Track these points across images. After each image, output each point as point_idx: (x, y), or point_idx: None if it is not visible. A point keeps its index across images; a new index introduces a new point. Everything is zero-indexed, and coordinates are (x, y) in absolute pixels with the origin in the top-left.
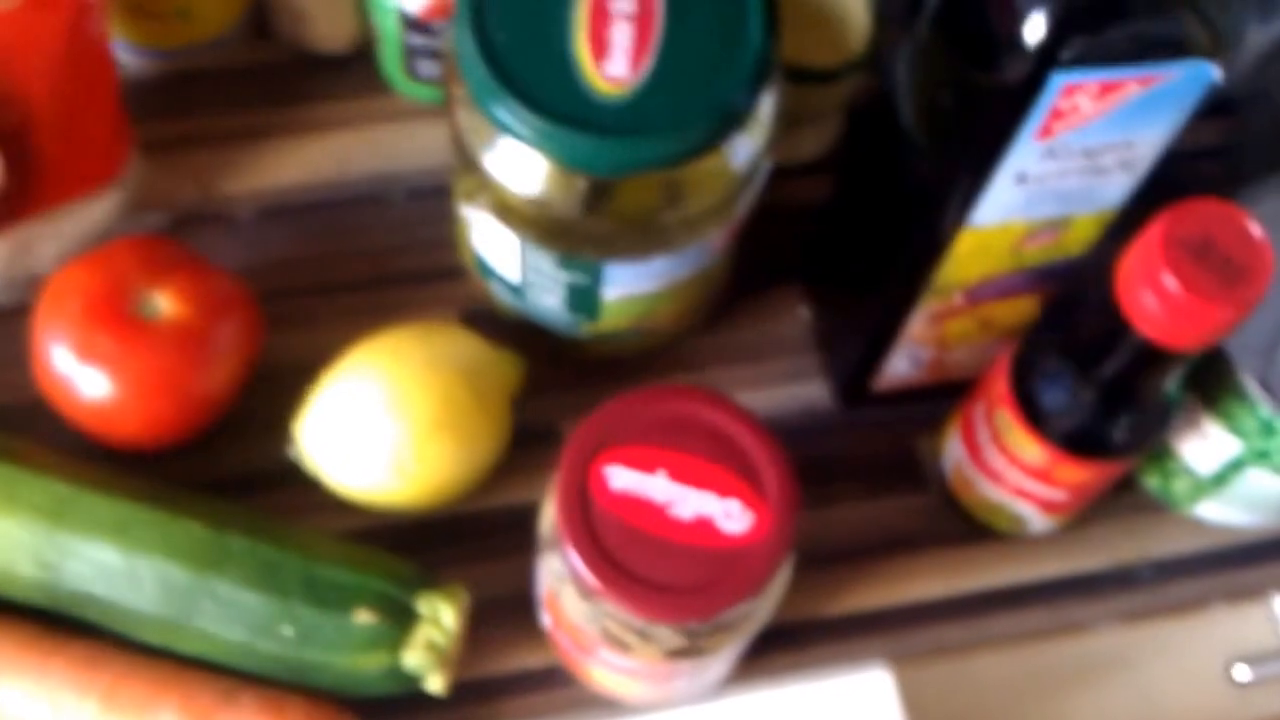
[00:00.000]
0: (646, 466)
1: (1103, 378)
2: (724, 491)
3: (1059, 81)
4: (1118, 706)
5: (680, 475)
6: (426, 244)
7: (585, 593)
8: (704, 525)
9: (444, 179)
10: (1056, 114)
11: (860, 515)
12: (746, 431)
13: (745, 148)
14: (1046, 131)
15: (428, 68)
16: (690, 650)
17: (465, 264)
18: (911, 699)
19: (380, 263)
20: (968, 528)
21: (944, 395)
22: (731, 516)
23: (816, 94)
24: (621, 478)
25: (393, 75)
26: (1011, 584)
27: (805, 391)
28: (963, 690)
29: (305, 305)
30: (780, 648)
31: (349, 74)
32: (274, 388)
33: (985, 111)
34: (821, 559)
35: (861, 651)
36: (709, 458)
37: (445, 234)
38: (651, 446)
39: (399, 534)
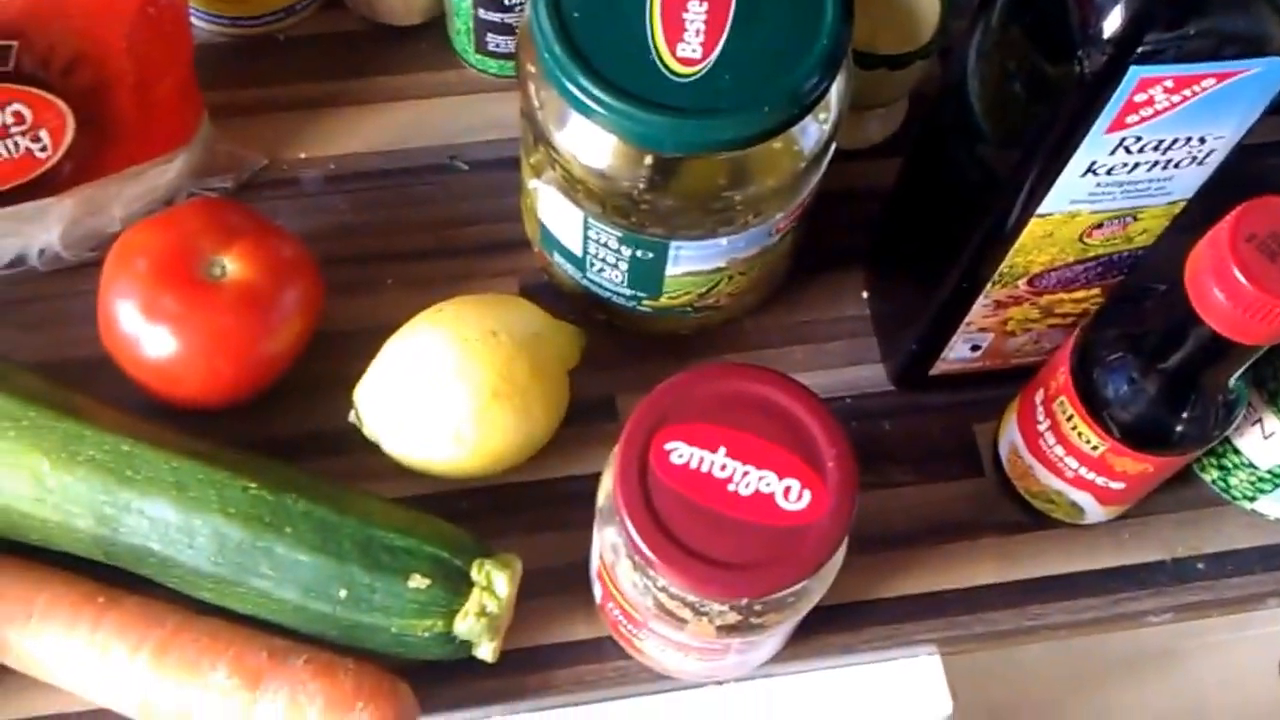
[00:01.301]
0: (707, 443)
1: (1167, 370)
2: (783, 470)
3: (1135, 75)
4: (1164, 702)
5: (740, 453)
6: (490, 216)
7: (641, 565)
8: (762, 503)
9: (510, 152)
10: (1130, 107)
11: (914, 499)
12: (807, 412)
13: (813, 132)
14: (1119, 124)
15: (498, 42)
16: (743, 626)
17: (529, 237)
18: (959, 684)
19: (443, 233)
20: (1023, 515)
21: (1001, 381)
22: (790, 495)
23: (885, 80)
24: (682, 453)
25: (463, 48)
26: (1064, 572)
27: (862, 374)
28: (1010, 678)
29: (368, 272)
30: (831, 628)
31: (419, 46)
32: (334, 353)
33: (1058, 103)
34: (874, 541)
35: (911, 635)
36: (769, 436)
37: (509, 207)
38: (713, 423)
39: (454, 502)
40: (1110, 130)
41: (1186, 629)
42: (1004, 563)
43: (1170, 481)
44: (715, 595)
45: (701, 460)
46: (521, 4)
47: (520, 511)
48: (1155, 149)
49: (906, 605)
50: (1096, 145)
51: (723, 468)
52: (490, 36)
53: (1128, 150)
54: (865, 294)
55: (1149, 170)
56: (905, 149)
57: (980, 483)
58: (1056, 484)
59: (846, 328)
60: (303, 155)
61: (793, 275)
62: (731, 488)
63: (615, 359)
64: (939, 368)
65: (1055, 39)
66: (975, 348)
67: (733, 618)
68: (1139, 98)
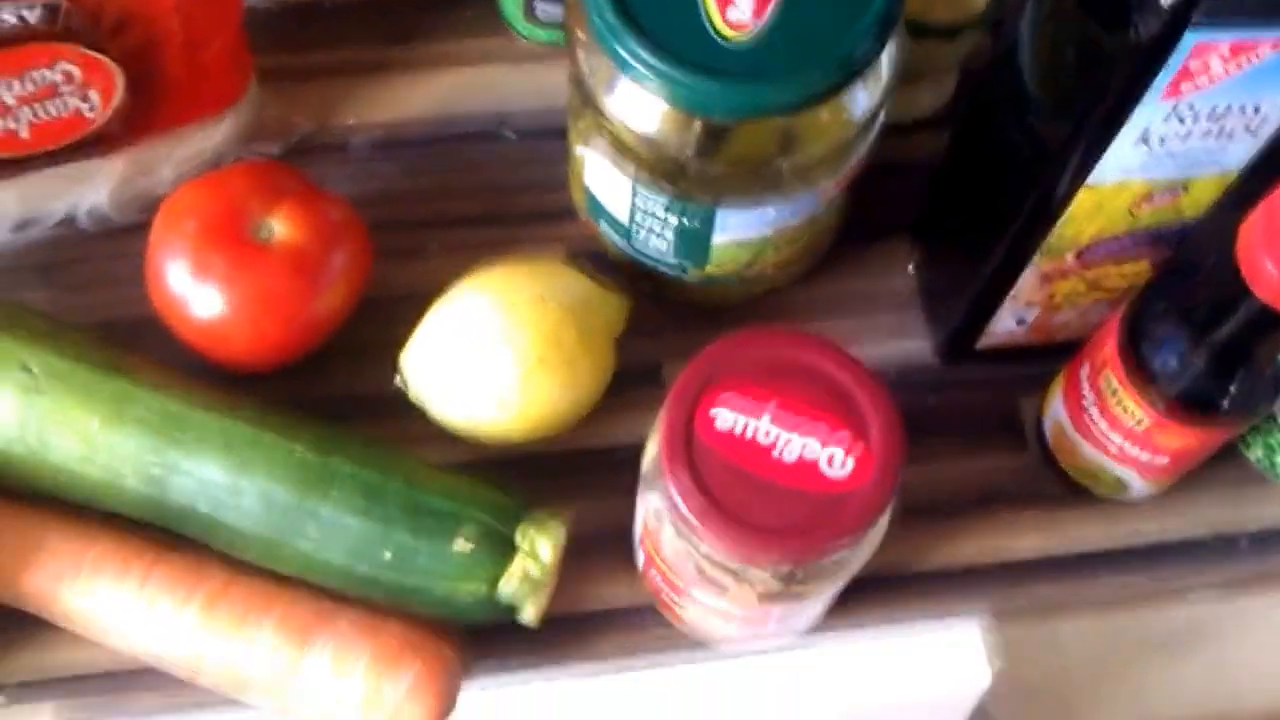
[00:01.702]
0: (753, 408)
1: (1216, 343)
2: (828, 437)
3: (1190, 41)
4: (1198, 684)
5: (785, 419)
6: (536, 184)
7: (684, 529)
8: (807, 468)
9: (557, 120)
10: (1185, 74)
11: (957, 471)
12: (854, 378)
13: (863, 100)
14: (1174, 92)
15: (547, 10)
16: (784, 594)
17: (575, 205)
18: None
19: (490, 200)
20: (1066, 490)
21: (1046, 356)
22: (834, 462)
23: (936, 50)
24: (727, 417)
25: (512, 16)
26: (1106, 548)
27: (906, 346)
28: (1047, 654)
29: (413, 238)
30: (871, 598)
31: (466, 13)
32: (379, 318)
33: (1112, 70)
34: (916, 512)
35: (953, 607)
36: (816, 402)
37: (555, 175)
38: (759, 388)
39: (497, 468)
40: (1164, 98)
41: (1221, 612)
42: (1046, 537)
43: (1214, 459)
44: (757, 560)
45: (746, 425)
46: None
47: (563, 478)
48: (1209, 118)
49: (948, 578)
50: (1150, 114)
51: (767, 433)
52: (539, 4)
53: (1181, 120)
54: (911, 267)
55: (1202, 140)
56: (953, 122)
57: (1023, 457)
58: (1101, 459)
59: (892, 301)
60: (350, 121)
61: (838, 247)
62: (776, 453)
63: (660, 328)
64: (984, 341)
65: (1110, 6)
66: (1021, 321)
67: (774, 585)
68: (1194, 65)
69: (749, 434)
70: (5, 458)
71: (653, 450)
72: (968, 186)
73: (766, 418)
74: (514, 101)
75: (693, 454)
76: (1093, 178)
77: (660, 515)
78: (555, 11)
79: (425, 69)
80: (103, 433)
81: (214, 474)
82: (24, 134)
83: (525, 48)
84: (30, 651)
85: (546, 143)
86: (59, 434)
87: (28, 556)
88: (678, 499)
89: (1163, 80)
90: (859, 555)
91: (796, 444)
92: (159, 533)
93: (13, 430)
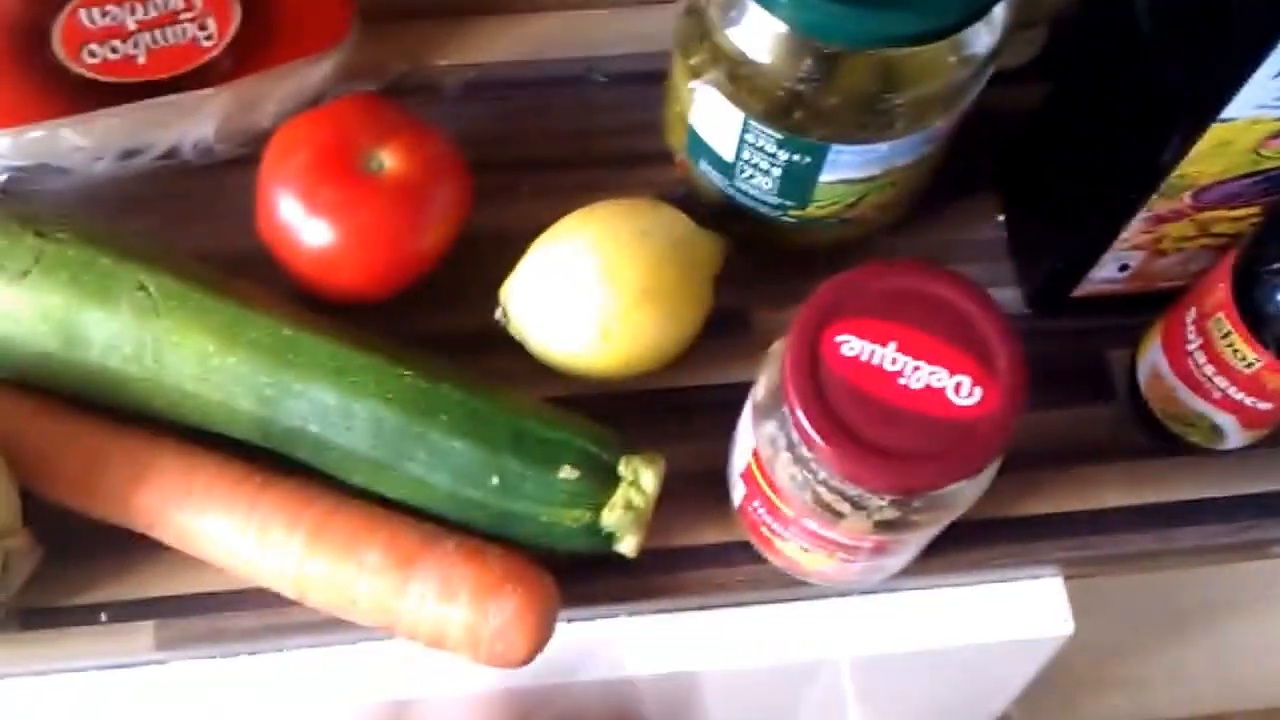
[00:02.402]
0: (879, 337)
1: None
2: (954, 366)
3: None
4: (1246, 641)
5: (911, 348)
6: (625, 128)
7: (805, 457)
8: (933, 397)
9: (648, 66)
10: None
11: (1046, 422)
12: (979, 310)
13: (983, 37)
14: None
15: None
16: (899, 524)
17: (671, 146)
18: (1078, 607)
19: (580, 144)
20: (1156, 440)
21: (1139, 305)
22: (960, 391)
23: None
24: (853, 345)
25: None
26: (1196, 498)
27: (996, 297)
28: (1125, 607)
29: (503, 179)
30: (960, 545)
31: None
32: (471, 257)
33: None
34: (1006, 462)
35: (1041, 554)
36: (941, 333)
37: (643, 119)
38: (885, 319)
39: (586, 405)
40: None
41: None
42: (1135, 487)
43: None
44: (884, 485)
45: (873, 353)
46: None
47: (651, 418)
48: None
49: (1036, 525)
50: None
51: (893, 361)
52: None
53: None
54: (1001, 216)
55: None
56: (1048, 70)
57: (1113, 407)
58: (1200, 405)
59: (978, 250)
60: (444, 62)
61: (927, 197)
62: (902, 381)
63: (749, 273)
64: (1081, 289)
65: None
66: (1124, 267)
67: (891, 513)
68: None
69: (875, 361)
70: (121, 379)
71: (769, 380)
72: (1069, 132)
73: (893, 345)
74: (605, 46)
75: (819, 380)
76: (1226, 112)
77: (776, 443)
78: None
79: (518, 12)
80: (218, 355)
81: (326, 397)
82: (142, 60)
83: None
84: (133, 572)
85: (637, 88)
86: (174, 355)
87: (139, 477)
88: (804, 424)
89: None
90: (976, 487)
91: (923, 371)
92: (267, 459)
93: (129, 351)
